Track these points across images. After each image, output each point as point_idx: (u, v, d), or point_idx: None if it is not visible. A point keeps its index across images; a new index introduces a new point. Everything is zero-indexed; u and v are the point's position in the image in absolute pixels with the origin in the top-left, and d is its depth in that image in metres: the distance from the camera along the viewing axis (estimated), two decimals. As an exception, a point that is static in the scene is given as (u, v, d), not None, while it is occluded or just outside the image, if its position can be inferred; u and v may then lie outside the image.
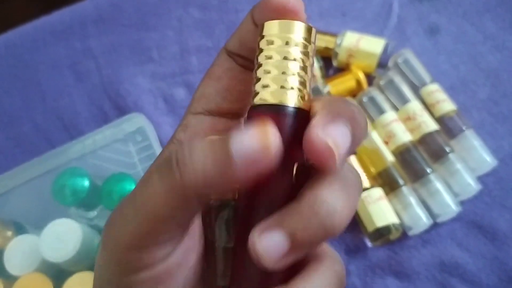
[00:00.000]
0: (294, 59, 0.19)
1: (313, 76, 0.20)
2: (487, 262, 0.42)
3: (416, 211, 0.42)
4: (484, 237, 0.43)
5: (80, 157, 0.39)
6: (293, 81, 0.19)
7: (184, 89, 0.52)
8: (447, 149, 0.44)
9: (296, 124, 0.19)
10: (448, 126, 0.45)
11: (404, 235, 0.43)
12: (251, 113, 0.19)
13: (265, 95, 0.19)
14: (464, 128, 0.45)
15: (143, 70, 0.53)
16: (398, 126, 0.45)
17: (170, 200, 0.17)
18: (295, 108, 0.19)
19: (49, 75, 0.54)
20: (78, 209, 0.41)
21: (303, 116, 0.19)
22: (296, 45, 0.19)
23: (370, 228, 0.42)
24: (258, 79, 0.19)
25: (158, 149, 0.37)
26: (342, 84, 0.49)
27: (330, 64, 0.51)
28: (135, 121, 0.39)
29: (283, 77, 0.19)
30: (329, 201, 0.17)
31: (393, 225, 0.42)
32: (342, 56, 0.49)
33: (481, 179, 0.44)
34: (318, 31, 0.51)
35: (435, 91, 0.46)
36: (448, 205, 0.42)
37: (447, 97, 0.46)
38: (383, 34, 0.52)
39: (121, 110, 0.51)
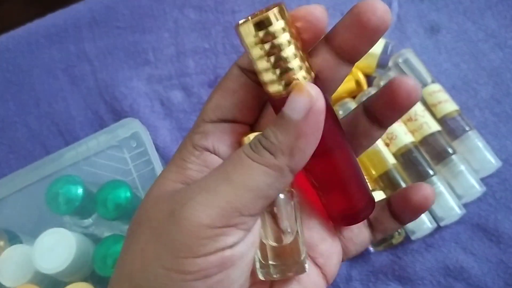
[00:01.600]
0: (284, 44, 0.21)
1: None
2: (493, 266, 0.41)
3: (419, 214, 0.41)
4: (489, 240, 0.42)
5: (74, 164, 0.38)
6: (295, 63, 0.21)
7: (181, 92, 0.51)
8: (450, 150, 0.43)
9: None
10: (450, 127, 0.44)
11: (407, 239, 0.42)
12: (274, 103, 0.22)
13: (276, 88, 0.21)
14: (467, 128, 0.44)
15: (138, 73, 0.52)
16: (399, 127, 0.44)
17: (269, 178, 0.20)
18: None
19: (43, 79, 0.53)
20: (73, 217, 0.40)
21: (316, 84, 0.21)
22: (278, 32, 0.20)
23: (372, 233, 0.41)
24: (262, 73, 0.21)
25: (153, 155, 0.36)
26: (341, 85, 0.48)
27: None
28: (130, 127, 0.38)
29: (285, 64, 0.21)
30: None
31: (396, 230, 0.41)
32: (341, 57, 0.48)
33: (485, 180, 0.43)
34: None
35: (437, 91, 0.46)
36: (452, 208, 0.41)
37: (449, 97, 0.45)
38: (382, 33, 0.51)
39: (117, 114, 0.50)
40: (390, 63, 0.48)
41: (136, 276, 0.21)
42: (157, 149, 0.46)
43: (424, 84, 0.46)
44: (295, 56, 0.21)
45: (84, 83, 0.52)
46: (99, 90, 0.52)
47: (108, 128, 0.38)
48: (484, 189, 0.42)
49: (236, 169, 0.21)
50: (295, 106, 0.20)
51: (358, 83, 0.47)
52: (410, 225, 0.42)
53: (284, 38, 0.21)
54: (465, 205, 0.42)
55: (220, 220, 0.20)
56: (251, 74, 0.23)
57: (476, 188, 0.42)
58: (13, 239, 0.39)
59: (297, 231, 0.24)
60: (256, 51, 0.21)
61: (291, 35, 0.21)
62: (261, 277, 0.23)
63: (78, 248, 0.35)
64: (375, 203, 0.26)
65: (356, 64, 0.49)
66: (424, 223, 0.41)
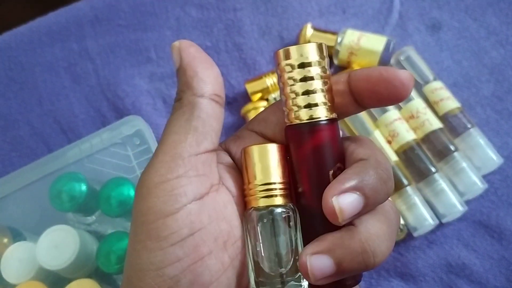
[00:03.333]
0: (314, 77, 0.22)
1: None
2: (495, 263, 0.41)
3: (421, 211, 0.42)
4: (491, 237, 0.42)
5: (77, 161, 0.38)
6: (319, 97, 0.22)
7: (183, 89, 0.51)
8: (452, 148, 0.43)
9: (331, 132, 0.22)
10: (452, 124, 0.44)
11: (409, 236, 0.43)
12: (288, 131, 0.23)
13: (299, 114, 0.22)
14: (469, 126, 0.44)
15: (141, 71, 0.52)
16: (401, 124, 0.44)
17: (186, 114, 0.23)
18: (326, 119, 0.22)
19: (46, 77, 0.53)
20: (76, 215, 0.40)
21: (333, 123, 0.23)
22: (313, 64, 0.22)
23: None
24: (287, 100, 0.23)
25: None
26: (343, 82, 0.48)
27: (331, 62, 0.50)
28: (132, 124, 0.38)
29: (310, 96, 0.22)
30: (377, 240, 0.21)
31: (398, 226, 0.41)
32: (343, 54, 0.48)
33: (486, 177, 0.43)
34: (318, 29, 0.50)
35: (439, 89, 0.46)
36: (454, 205, 0.41)
37: (451, 95, 0.45)
38: (384, 31, 0.51)
39: (119, 112, 0.50)
40: (392, 61, 0.48)
41: (126, 266, 0.22)
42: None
43: (426, 82, 0.46)
44: (322, 91, 0.22)
45: (86, 81, 0.52)
46: (101, 88, 0.52)
47: (111, 125, 0.38)
48: (486, 186, 0.42)
49: (163, 131, 0.23)
50: (174, 61, 0.24)
51: (360, 80, 0.47)
52: (412, 222, 0.42)
53: (315, 71, 0.22)
54: (467, 202, 0.43)
55: (167, 171, 0.21)
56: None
57: (478, 185, 0.42)
58: (16, 236, 0.39)
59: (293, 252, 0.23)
60: (288, 76, 0.22)
61: (323, 71, 0.22)
62: None
63: (82, 244, 0.35)
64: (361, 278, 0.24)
65: (358, 62, 0.49)
66: (426, 220, 0.41)
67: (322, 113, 0.22)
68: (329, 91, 0.23)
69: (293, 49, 0.22)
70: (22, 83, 0.53)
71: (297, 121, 0.22)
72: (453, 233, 0.42)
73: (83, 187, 0.37)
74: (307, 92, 0.22)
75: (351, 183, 0.21)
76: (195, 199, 0.21)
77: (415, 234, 0.42)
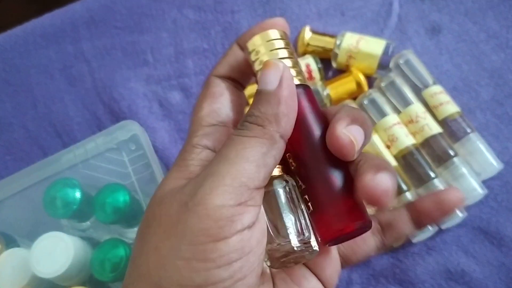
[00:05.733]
0: (281, 49, 0.25)
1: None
2: (494, 270, 0.40)
3: (420, 217, 0.41)
4: (490, 243, 0.42)
5: (71, 166, 0.37)
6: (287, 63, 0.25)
7: (180, 93, 0.51)
8: (452, 153, 0.43)
9: (306, 95, 0.25)
10: (452, 129, 0.44)
11: (408, 242, 0.42)
12: None
13: None
14: (468, 130, 0.43)
15: (137, 74, 0.52)
16: (400, 129, 0.44)
17: (263, 146, 0.22)
18: (300, 84, 0.25)
19: (41, 80, 0.52)
20: (70, 221, 0.39)
21: (306, 88, 0.25)
22: (277, 43, 0.25)
23: (373, 236, 0.41)
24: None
25: (152, 158, 0.36)
26: (342, 86, 0.47)
27: (329, 65, 0.50)
28: (128, 129, 0.37)
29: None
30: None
31: (397, 232, 0.41)
32: (341, 58, 0.48)
33: (486, 183, 0.43)
34: (316, 32, 0.50)
35: (438, 93, 0.45)
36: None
37: (450, 99, 0.45)
38: (383, 34, 0.51)
39: (115, 115, 0.50)
40: (391, 64, 0.48)
41: (154, 274, 0.21)
42: (156, 151, 0.45)
43: (425, 86, 0.46)
44: (295, 58, 0.25)
45: (82, 83, 0.52)
46: (96, 91, 0.51)
47: (107, 130, 0.38)
48: (486, 192, 0.42)
49: (231, 149, 0.22)
50: (268, 79, 0.23)
51: (359, 84, 0.47)
52: (411, 228, 0.41)
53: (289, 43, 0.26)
54: (467, 208, 0.42)
55: (231, 197, 0.21)
56: (231, 80, 0.27)
57: (477, 191, 0.42)
58: (10, 242, 0.39)
59: (299, 219, 0.24)
60: (267, 54, 0.25)
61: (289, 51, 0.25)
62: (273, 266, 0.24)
63: (76, 252, 0.34)
64: (371, 224, 0.24)
65: (357, 65, 0.49)
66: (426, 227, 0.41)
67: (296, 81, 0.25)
68: (297, 63, 0.25)
69: (259, 36, 0.25)
70: (16, 86, 0.52)
71: None
72: (453, 240, 0.42)
73: (78, 193, 0.36)
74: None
75: (351, 117, 0.23)
76: (248, 226, 0.21)
77: (414, 240, 0.42)
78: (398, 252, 0.42)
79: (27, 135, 0.50)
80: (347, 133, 0.22)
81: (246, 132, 0.22)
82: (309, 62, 0.48)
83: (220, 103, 0.26)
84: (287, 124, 0.23)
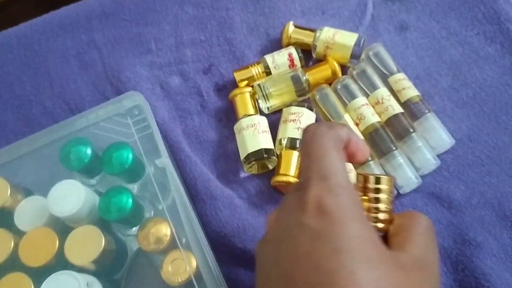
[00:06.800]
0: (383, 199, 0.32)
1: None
2: (444, 228, 0.47)
3: (382, 182, 0.48)
4: (441, 206, 0.48)
5: (84, 128, 0.44)
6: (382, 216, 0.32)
7: (179, 77, 0.58)
8: (411, 129, 0.49)
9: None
10: (412, 110, 0.51)
11: (371, 205, 0.48)
12: None
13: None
14: (426, 111, 0.50)
15: (141, 60, 0.59)
16: (368, 109, 0.51)
17: None
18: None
19: (57, 64, 0.59)
20: (81, 177, 0.46)
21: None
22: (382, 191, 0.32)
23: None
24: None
25: (152, 121, 0.43)
26: (319, 73, 0.54)
27: (310, 56, 0.57)
28: (133, 99, 0.44)
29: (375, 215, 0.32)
30: None
31: (361, 194, 0.47)
32: (320, 48, 0.55)
33: (440, 156, 0.49)
34: (298, 26, 0.57)
35: (402, 79, 0.52)
36: (410, 177, 0.48)
37: (412, 85, 0.52)
38: (358, 30, 0.58)
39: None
40: (363, 56, 0.55)
41: None
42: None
43: (391, 73, 0.53)
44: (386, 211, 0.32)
45: (93, 68, 0.59)
46: (106, 74, 0.58)
47: (115, 99, 0.45)
48: (439, 163, 0.49)
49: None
50: None
51: (334, 71, 0.54)
52: (374, 193, 0.48)
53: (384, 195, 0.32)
54: (423, 177, 0.49)
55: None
56: None
57: (431, 161, 0.48)
58: (28, 194, 0.45)
59: None
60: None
61: (388, 197, 0.32)
62: None
63: (87, 196, 0.41)
64: None
65: (333, 55, 0.56)
66: (385, 190, 0.47)
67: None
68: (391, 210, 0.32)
69: (381, 178, 0.33)
70: (35, 69, 0.59)
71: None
72: (409, 202, 0.48)
73: (89, 150, 0.43)
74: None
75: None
76: None
77: (376, 203, 0.48)
78: (363, 213, 0.48)
79: (44, 111, 0.57)
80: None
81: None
82: (291, 52, 0.55)
83: None
84: None
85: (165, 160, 0.41)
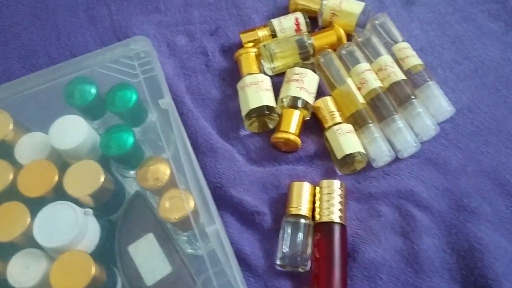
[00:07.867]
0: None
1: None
2: (439, 192, 0.47)
3: (380, 145, 0.48)
4: (438, 172, 0.48)
5: (90, 68, 0.44)
6: (337, 209, 0.44)
7: (185, 37, 0.58)
8: (412, 96, 0.50)
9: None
10: (414, 77, 0.51)
11: (368, 167, 0.49)
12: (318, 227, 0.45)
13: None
14: (428, 79, 0.51)
15: (149, 19, 0.59)
16: (370, 74, 0.51)
17: None
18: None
19: (66, 17, 0.60)
20: (85, 118, 0.46)
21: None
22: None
23: (339, 156, 0.48)
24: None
25: (157, 65, 0.43)
26: (324, 38, 0.55)
27: (316, 24, 0.57)
28: (140, 43, 0.45)
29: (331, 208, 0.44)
30: None
31: (359, 153, 0.47)
32: (326, 15, 0.55)
33: (440, 125, 0.50)
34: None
35: (406, 48, 0.53)
36: (409, 141, 0.48)
37: (415, 54, 0.52)
38: (365, 2, 0.59)
39: (127, 51, 0.57)
40: (368, 26, 0.55)
41: None
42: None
43: (395, 42, 0.53)
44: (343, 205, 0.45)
45: (101, 23, 0.60)
46: (113, 30, 0.59)
47: (123, 41, 0.45)
48: (439, 129, 0.49)
49: None
50: None
51: (339, 37, 0.55)
52: (372, 155, 0.48)
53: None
54: (422, 143, 0.49)
55: None
56: None
57: (431, 126, 0.49)
58: (30, 130, 0.45)
59: None
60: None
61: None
62: None
63: (88, 132, 0.41)
64: None
65: (338, 22, 0.56)
66: (383, 152, 0.48)
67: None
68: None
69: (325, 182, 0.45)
70: (44, 20, 0.60)
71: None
72: (406, 167, 0.49)
73: (93, 89, 0.43)
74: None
75: None
76: None
77: (374, 165, 0.49)
78: (359, 175, 0.49)
79: (49, 61, 0.58)
80: None
81: None
82: (298, 16, 0.55)
83: None
84: None
85: (168, 100, 0.42)
